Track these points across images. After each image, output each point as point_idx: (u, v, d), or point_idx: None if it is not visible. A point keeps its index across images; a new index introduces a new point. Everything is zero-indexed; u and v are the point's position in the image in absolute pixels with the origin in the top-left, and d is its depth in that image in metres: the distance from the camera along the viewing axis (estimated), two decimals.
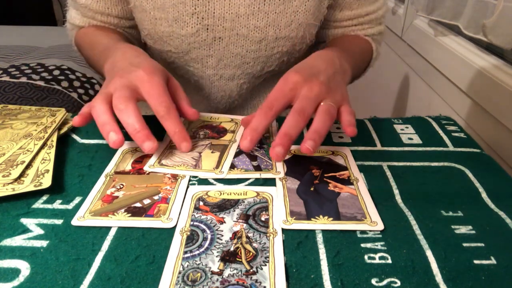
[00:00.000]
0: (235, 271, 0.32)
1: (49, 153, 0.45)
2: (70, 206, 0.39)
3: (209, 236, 0.35)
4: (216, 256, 0.33)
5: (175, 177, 0.43)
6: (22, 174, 0.41)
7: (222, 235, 0.35)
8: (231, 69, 0.62)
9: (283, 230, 0.36)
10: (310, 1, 0.58)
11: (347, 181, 0.43)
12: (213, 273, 0.31)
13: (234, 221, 0.37)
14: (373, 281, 0.31)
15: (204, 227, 0.36)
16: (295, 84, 0.45)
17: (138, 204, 0.39)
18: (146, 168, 0.44)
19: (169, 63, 0.65)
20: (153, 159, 0.46)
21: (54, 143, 0.47)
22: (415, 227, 0.37)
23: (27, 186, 0.40)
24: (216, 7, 0.56)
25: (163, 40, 0.59)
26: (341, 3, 0.63)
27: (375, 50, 0.69)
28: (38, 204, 0.39)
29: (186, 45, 0.59)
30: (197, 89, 0.67)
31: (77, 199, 0.40)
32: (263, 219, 0.37)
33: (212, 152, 0.47)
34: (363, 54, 0.67)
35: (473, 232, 0.36)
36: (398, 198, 0.41)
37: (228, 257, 0.33)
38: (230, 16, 0.56)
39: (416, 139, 0.52)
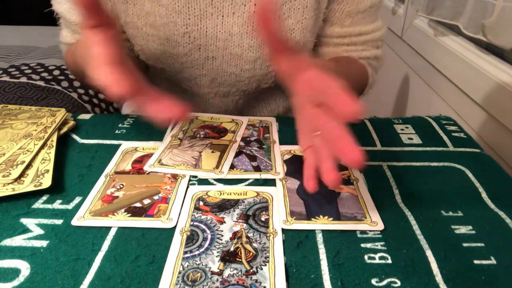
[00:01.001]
0: (235, 271, 0.32)
1: (49, 153, 0.45)
2: (70, 206, 0.39)
3: (209, 236, 0.35)
4: (216, 256, 0.33)
5: (175, 177, 0.43)
6: (22, 174, 0.41)
7: (222, 235, 0.35)
8: (225, 87, 0.61)
9: (283, 230, 0.36)
10: (308, 19, 0.55)
11: (347, 181, 0.43)
12: (213, 273, 0.31)
13: (234, 221, 0.37)
14: (373, 281, 0.31)
15: (204, 227, 0.36)
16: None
17: (138, 204, 0.39)
18: (146, 167, 0.44)
19: (163, 80, 0.64)
20: (153, 159, 0.46)
21: (54, 143, 0.47)
22: (415, 227, 0.37)
23: (27, 186, 0.40)
24: (208, 26, 0.54)
25: (156, 57, 0.58)
26: (331, 17, 0.59)
27: (370, 76, 0.64)
28: (38, 204, 0.39)
29: (178, 64, 0.58)
30: (193, 103, 0.66)
31: (77, 199, 0.40)
32: (263, 219, 0.37)
33: (212, 152, 0.47)
34: (357, 81, 0.62)
35: (473, 232, 0.36)
36: (398, 198, 0.41)
37: (228, 257, 0.33)
38: (223, 36, 0.55)
39: (416, 139, 0.52)
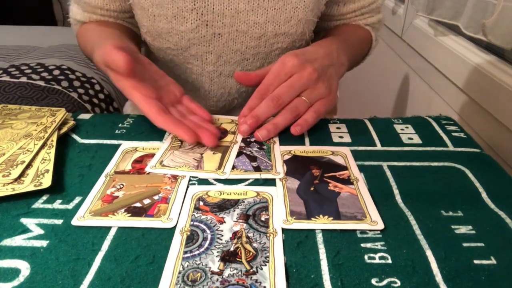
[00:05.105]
0: (235, 271, 0.32)
1: (49, 153, 0.45)
2: (70, 206, 0.39)
3: (209, 236, 0.35)
4: (216, 256, 0.33)
5: (175, 177, 0.43)
6: (22, 174, 0.41)
7: (222, 235, 0.35)
8: (230, 65, 0.62)
9: (283, 230, 0.36)
10: None
11: (347, 181, 0.43)
12: (213, 273, 0.31)
13: (234, 221, 0.37)
14: (373, 281, 0.31)
15: (204, 227, 0.36)
16: (291, 68, 0.48)
17: (138, 204, 0.39)
18: (148, 169, 0.44)
19: (167, 62, 0.65)
20: (154, 160, 0.46)
21: (54, 143, 0.47)
22: (415, 227, 0.37)
23: (27, 186, 0.40)
24: (215, 3, 0.56)
25: (162, 37, 0.60)
26: None
27: (374, 40, 0.71)
28: (38, 204, 0.39)
29: (185, 41, 0.59)
30: (196, 88, 0.67)
31: (77, 199, 0.40)
32: (263, 219, 0.37)
33: (213, 153, 0.47)
34: (362, 44, 0.69)
35: (473, 232, 0.36)
36: (398, 198, 0.41)
37: (228, 257, 0.33)
38: (230, 12, 0.57)
39: (416, 139, 0.52)
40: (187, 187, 0.42)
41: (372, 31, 0.70)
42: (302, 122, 0.50)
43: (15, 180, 0.40)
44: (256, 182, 0.43)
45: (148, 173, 0.44)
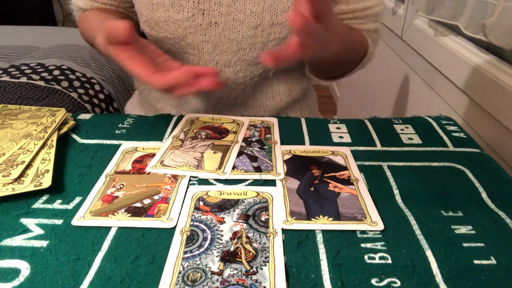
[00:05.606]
0: (235, 271, 0.32)
1: (49, 153, 0.45)
2: (70, 206, 0.39)
3: (209, 236, 0.35)
4: (216, 256, 0.33)
5: (175, 177, 0.43)
6: (22, 174, 0.41)
7: (222, 235, 0.35)
8: (227, 55, 0.62)
9: (283, 230, 0.36)
10: None
11: (347, 181, 0.43)
12: (213, 273, 0.31)
13: (234, 221, 0.37)
14: (373, 281, 0.31)
15: (204, 227, 0.36)
16: None
17: (138, 204, 0.39)
18: (148, 169, 0.44)
19: (165, 52, 0.65)
20: (155, 160, 0.46)
21: (54, 143, 0.47)
22: (415, 227, 0.37)
23: (27, 186, 0.40)
24: None
25: (159, 26, 0.60)
26: None
27: (370, 47, 0.68)
28: (38, 204, 0.39)
29: (182, 30, 0.59)
30: None
31: (77, 199, 0.40)
32: (263, 219, 0.37)
33: (214, 153, 0.47)
34: (356, 43, 0.66)
35: (473, 232, 0.36)
36: (398, 198, 0.41)
37: (228, 257, 0.33)
38: (226, 1, 0.57)
39: (416, 139, 0.52)
40: (187, 187, 0.42)
41: (368, 38, 0.67)
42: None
43: (15, 180, 0.40)
44: (256, 182, 0.43)
45: (148, 173, 0.44)
